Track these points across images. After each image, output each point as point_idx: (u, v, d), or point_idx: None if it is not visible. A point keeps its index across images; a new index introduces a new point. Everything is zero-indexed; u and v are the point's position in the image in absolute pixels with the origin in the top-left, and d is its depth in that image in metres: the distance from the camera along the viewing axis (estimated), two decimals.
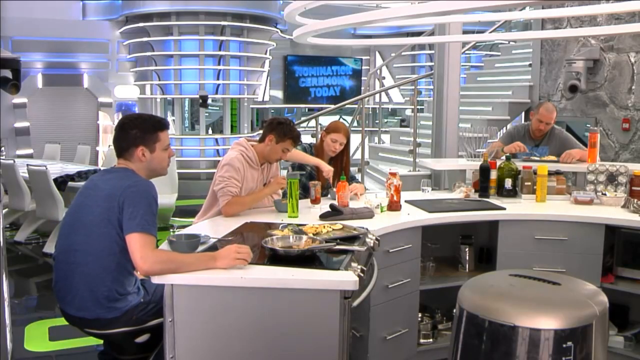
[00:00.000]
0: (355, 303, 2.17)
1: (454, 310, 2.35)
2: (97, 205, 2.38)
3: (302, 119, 9.00)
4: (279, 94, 12.50)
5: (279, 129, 3.29)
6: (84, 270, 2.35)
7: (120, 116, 11.06)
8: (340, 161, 3.85)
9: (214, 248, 2.46)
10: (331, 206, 3.22)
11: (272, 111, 12.52)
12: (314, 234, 2.59)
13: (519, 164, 3.99)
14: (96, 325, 2.40)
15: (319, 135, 4.05)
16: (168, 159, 2.56)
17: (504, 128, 6.74)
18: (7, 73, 3.09)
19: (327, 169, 3.63)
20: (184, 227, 4.72)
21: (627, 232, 3.39)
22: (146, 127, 2.49)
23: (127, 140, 2.48)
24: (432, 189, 4.10)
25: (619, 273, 3.47)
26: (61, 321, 4.31)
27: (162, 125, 2.54)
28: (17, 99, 10.01)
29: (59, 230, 2.56)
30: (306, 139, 5.49)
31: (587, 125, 5.84)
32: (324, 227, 2.73)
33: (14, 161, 6.60)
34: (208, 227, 2.97)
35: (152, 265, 2.18)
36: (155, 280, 2.19)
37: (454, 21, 4.72)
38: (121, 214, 2.30)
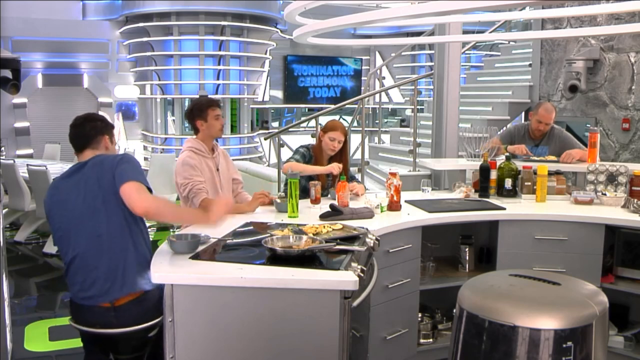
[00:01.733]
0: (355, 303, 2.16)
1: (454, 310, 2.35)
2: (93, 193, 2.46)
3: (302, 118, 9.00)
4: (279, 94, 12.50)
5: (195, 112, 3.44)
6: (115, 252, 2.44)
7: (121, 116, 11.10)
8: (339, 160, 3.85)
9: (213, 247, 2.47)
10: (331, 206, 3.22)
11: (272, 111, 12.52)
12: (314, 234, 2.59)
13: (519, 164, 3.99)
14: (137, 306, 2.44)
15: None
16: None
17: (504, 128, 6.74)
18: (7, 73, 3.09)
19: (336, 167, 3.65)
20: None
21: (627, 232, 3.39)
22: (106, 120, 2.73)
23: (94, 131, 2.63)
24: (432, 189, 4.10)
25: (619, 273, 3.47)
26: (61, 321, 4.35)
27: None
28: (17, 99, 10.02)
29: (56, 242, 2.58)
30: (306, 139, 5.50)
31: (587, 125, 5.84)
32: (324, 227, 2.73)
33: (14, 161, 6.60)
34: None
35: (151, 202, 2.36)
36: (155, 279, 2.19)
37: (454, 21, 4.72)
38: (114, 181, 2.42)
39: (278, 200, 3.40)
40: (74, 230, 2.48)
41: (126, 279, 2.44)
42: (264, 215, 3.27)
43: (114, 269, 2.43)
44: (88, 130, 2.63)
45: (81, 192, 2.48)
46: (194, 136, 3.52)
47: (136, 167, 2.50)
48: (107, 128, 2.67)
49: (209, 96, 9.53)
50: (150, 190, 2.47)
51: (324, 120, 4.06)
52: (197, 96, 10.00)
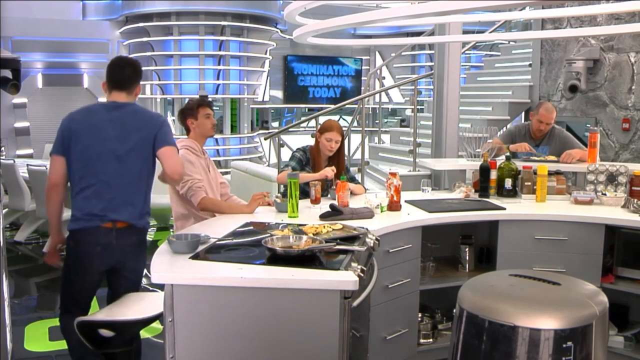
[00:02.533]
0: (355, 303, 2.16)
1: (454, 310, 2.35)
2: (129, 137, 2.85)
3: (302, 118, 9.00)
4: (279, 94, 12.50)
5: (187, 112, 3.50)
6: (137, 186, 2.88)
7: None
8: (337, 160, 3.85)
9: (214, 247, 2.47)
10: (331, 206, 3.22)
11: (272, 111, 12.52)
12: (314, 234, 2.59)
13: (519, 164, 3.99)
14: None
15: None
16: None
17: (504, 128, 6.75)
18: (7, 73, 3.09)
19: (330, 171, 3.65)
20: None
21: (627, 232, 3.39)
22: (142, 70, 3.12)
23: (134, 77, 2.99)
24: (432, 189, 4.10)
25: (619, 273, 3.47)
26: None
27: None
28: (17, 99, 10.01)
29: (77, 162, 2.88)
30: (306, 139, 5.49)
31: (587, 125, 5.84)
32: (324, 227, 2.73)
33: (14, 161, 6.60)
34: (208, 227, 2.96)
35: (182, 168, 2.95)
36: (155, 279, 2.19)
37: (454, 21, 4.72)
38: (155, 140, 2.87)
39: (278, 201, 3.41)
40: (103, 159, 2.82)
41: (132, 210, 2.84)
42: (264, 215, 3.27)
43: (125, 201, 2.83)
44: (129, 75, 2.98)
45: (117, 129, 2.84)
46: (186, 136, 3.55)
47: (172, 134, 2.98)
48: (141, 77, 3.08)
49: (202, 96, 9.61)
50: None
51: (323, 120, 4.06)
52: (197, 96, 10.01)
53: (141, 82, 3.16)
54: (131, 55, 10.79)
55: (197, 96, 9.92)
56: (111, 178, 2.81)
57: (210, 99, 10.18)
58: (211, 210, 3.31)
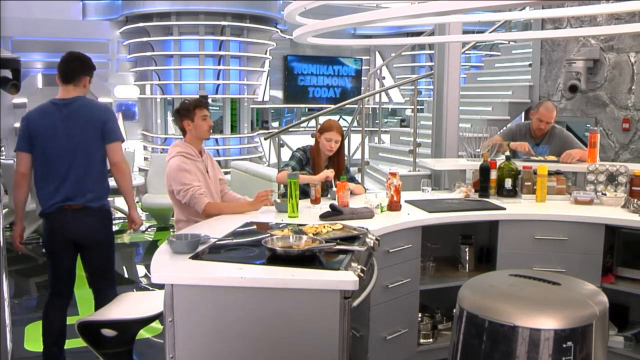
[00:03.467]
0: (355, 303, 2.16)
1: (454, 310, 2.35)
2: (83, 129, 3.22)
3: (302, 118, 9.00)
4: (279, 94, 12.50)
5: (183, 113, 3.47)
6: (91, 174, 3.26)
7: (121, 116, 11.10)
8: (336, 159, 3.85)
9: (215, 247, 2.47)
10: (331, 206, 3.22)
11: (272, 111, 12.52)
12: (314, 234, 2.59)
13: (519, 164, 3.99)
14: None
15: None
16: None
17: (504, 128, 6.74)
18: (7, 73, 3.09)
19: (329, 173, 3.66)
20: None
21: (627, 232, 3.39)
22: (91, 63, 3.38)
23: (81, 70, 3.28)
24: (432, 189, 4.10)
25: (619, 273, 3.47)
26: None
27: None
28: (17, 99, 10.00)
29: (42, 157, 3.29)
30: (306, 139, 5.49)
31: (587, 125, 5.84)
32: (324, 227, 2.73)
33: (14, 161, 6.58)
34: (208, 227, 2.96)
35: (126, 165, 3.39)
36: (155, 279, 2.19)
37: (454, 21, 4.72)
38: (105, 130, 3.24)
39: (278, 200, 3.41)
40: (60, 157, 3.21)
41: (90, 196, 3.26)
42: (264, 215, 3.27)
43: (83, 189, 3.24)
44: (76, 68, 3.27)
45: (68, 127, 3.19)
46: (182, 139, 3.50)
47: (118, 125, 3.35)
48: (90, 70, 3.33)
49: (201, 96, 9.62)
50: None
51: (323, 120, 4.06)
52: (197, 96, 10.01)
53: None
54: (131, 55, 10.84)
55: (197, 96, 9.94)
56: (69, 172, 3.22)
57: (210, 99, 10.21)
58: (216, 214, 3.26)
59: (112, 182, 3.50)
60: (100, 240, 3.39)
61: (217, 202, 3.37)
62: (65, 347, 3.89)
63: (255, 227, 2.95)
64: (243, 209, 3.35)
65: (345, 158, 4.04)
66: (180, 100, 10.79)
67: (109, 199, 3.48)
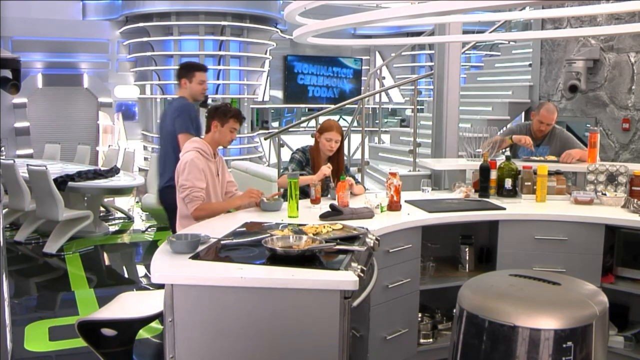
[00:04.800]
0: (355, 303, 2.17)
1: (454, 310, 2.36)
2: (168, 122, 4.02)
3: (302, 118, 9.01)
4: (279, 94, 12.50)
5: (219, 113, 3.47)
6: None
7: (121, 116, 11.11)
8: (336, 159, 3.85)
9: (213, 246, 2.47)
10: (331, 206, 3.22)
11: (272, 111, 12.52)
12: (314, 234, 2.59)
13: (519, 164, 3.99)
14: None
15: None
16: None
17: (504, 128, 6.74)
18: (7, 73, 3.09)
19: (326, 169, 3.65)
20: None
21: (627, 232, 3.39)
22: (185, 67, 4.26)
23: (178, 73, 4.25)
24: (432, 189, 4.10)
25: (619, 273, 3.47)
26: (61, 321, 4.36)
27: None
28: (17, 99, 10.01)
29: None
30: (306, 139, 5.49)
31: (587, 125, 5.84)
32: (324, 227, 2.73)
33: (14, 161, 6.60)
34: (208, 227, 2.96)
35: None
36: (155, 279, 2.19)
37: (454, 21, 4.72)
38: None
39: (265, 200, 3.40)
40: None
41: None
42: (264, 215, 3.27)
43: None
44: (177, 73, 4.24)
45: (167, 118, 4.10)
46: (202, 136, 3.53)
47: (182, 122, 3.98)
48: (185, 73, 4.21)
49: (206, 97, 9.63)
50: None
51: (323, 120, 4.07)
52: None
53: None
54: (131, 55, 10.85)
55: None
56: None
57: (210, 99, 10.23)
58: (206, 217, 3.26)
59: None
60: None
61: (206, 204, 3.31)
62: (65, 347, 3.90)
63: (255, 227, 2.95)
64: (232, 204, 3.40)
65: (345, 158, 4.04)
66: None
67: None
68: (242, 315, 2.13)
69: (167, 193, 3.74)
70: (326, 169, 3.64)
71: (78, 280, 5.38)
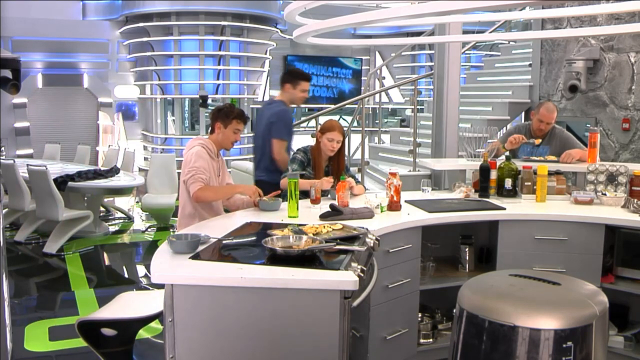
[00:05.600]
0: (355, 303, 2.16)
1: (454, 310, 2.35)
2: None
3: (302, 118, 9.01)
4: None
5: (221, 114, 3.48)
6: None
7: (121, 116, 11.12)
8: (337, 160, 3.85)
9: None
10: (331, 206, 3.22)
11: None
12: (314, 234, 2.59)
13: (519, 164, 3.99)
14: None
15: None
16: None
17: (504, 128, 6.74)
18: (7, 73, 3.09)
19: (326, 182, 3.65)
20: None
21: (627, 232, 3.39)
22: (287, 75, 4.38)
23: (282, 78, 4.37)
24: (432, 189, 4.10)
25: (619, 273, 3.47)
26: (61, 321, 4.36)
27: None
28: (17, 99, 10.01)
29: None
30: (306, 139, 5.49)
31: (587, 125, 5.84)
32: (324, 227, 2.73)
33: (14, 161, 6.60)
34: (208, 227, 2.96)
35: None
36: (156, 279, 2.19)
37: (454, 21, 4.72)
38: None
39: (265, 199, 3.40)
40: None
41: None
42: (264, 215, 3.27)
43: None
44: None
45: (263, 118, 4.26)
46: (206, 136, 3.56)
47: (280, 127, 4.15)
48: (290, 79, 4.26)
49: (202, 96, 9.64)
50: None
51: (323, 120, 4.08)
52: (197, 96, 10.01)
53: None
54: (131, 55, 10.85)
55: (198, 95, 9.93)
56: None
57: (210, 99, 10.22)
58: (208, 198, 3.32)
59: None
60: None
61: (209, 185, 3.35)
62: (65, 347, 3.90)
63: (255, 227, 2.95)
64: (234, 189, 3.49)
65: (345, 158, 4.04)
66: (180, 100, 10.81)
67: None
68: (242, 315, 2.13)
69: (260, 184, 3.91)
70: (326, 184, 3.62)
71: (78, 280, 5.39)
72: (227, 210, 3.61)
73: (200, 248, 2.48)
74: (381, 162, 7.37)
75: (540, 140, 4.31)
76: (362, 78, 12.72)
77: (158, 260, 2.36)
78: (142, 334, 3.90)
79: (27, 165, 6.31)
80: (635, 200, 3.57)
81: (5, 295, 3.20)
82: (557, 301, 2.21)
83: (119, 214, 8.09)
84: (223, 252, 2.50)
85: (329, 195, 3.71)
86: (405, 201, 3.64)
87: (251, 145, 11.25)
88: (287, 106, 4.32)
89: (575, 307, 2.15)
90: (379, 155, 7.61)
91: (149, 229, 7.45)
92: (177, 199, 3.71)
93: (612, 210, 3.56)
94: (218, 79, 10.35)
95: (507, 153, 4.26)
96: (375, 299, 2.97)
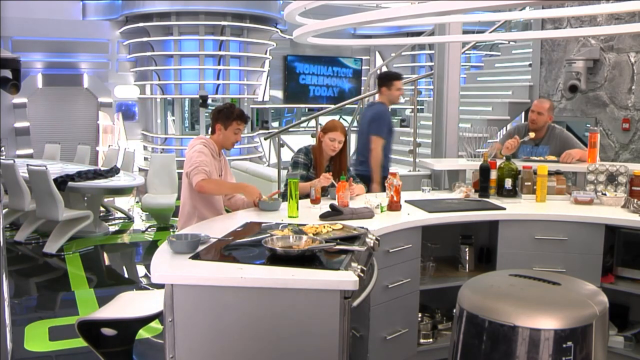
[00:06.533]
0: (355, 303, 2.16)
1: (454, 310, 2.35)
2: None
3: (302, 118, 9.01)
4: (279, 93, 12.50)
5: (222, 115, 3.48)
6: None
7: (121, 116, 11.12)
8: (339, 160, 3.85)
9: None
10: (331, 206, 3.22)
11: (272, 111, 12.53)
12: (314, 234, 2.59)
13: (519, 164, 3.99)
14: None
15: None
16: None
17: (504, 128, 6.75)
18: (7, 73, 3.09)
19: (324, 179, 3.64)
20: None
21: (627, 232, 3.39)
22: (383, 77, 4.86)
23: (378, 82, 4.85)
24: (432, 189, 4.10)
25: (619, 273, 3.47)
26: (61, 321, 4.36)
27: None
28: (17, 99, 10.02)
29: None
30: (306, 139, 5.50)
31: (587, 125, 5.84)
32: (324, 227, 2.73)
33: (14, 161, 6.60)
34: (208, 227, 2.96)
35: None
36: (155, 279, 2.19)
37: (454, 21, 4.72)
38: None
39: (265, 198, 3.40)
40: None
41: None
42: (264, 215, 3.27)
43: None
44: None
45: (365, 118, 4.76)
46: (207, 136, 3.57)
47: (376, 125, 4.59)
48: (385, 82, 4.67)
49: (202, 96, 9.64)
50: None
51: (324, 120, 4.09)
52: (197, 96, 10.01)
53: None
54: (131, 55, 10.85)
55: (198, 95, 9.93)
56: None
57: (210, 99, 10.23)
58: (211, 189, 3.32)
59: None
60: None
61: (213, 178, 3.36)
62: (65, 347, 3.90)
63: (255, 227, 2.95)
64: (238, 186, 3.50)
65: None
66: (180, 100, 10.81)
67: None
68: (242, 315, 2.13)
69: (362, 179, 4.19)
70: (324, 180, 3.60)
71: (78, 280, 5.39)
72: (227, 210, 3.61)
73: (200, 248, 2.48)
74: None
75: (534, 134, 4.31)
76: (362, 78, 12.72)
77: (158, 260, 2.36)
78: (142, 334, 3.90)
79: (27, 165, 6.31)
80: (635, 200, 3.57)
81: (5, 295, 3.20)
82: (557, 301, 2.21)
83: (119, 214, 8.09)
84: (223, 252, 2.49)
85: (329, 195, 3.71)
86: (405, 201, 3.64)
87: (251, 145, 11.33)
88: (386, 107, 4.77)
89: (575, 307, 2.15)
90: None
91: (149, 229, 7.45)
92: (177, 199, 3.72)
93: (612, 210, 3.56)
94: (218, 79, 10.36)
95: (505, 156, 4.25)
96: (375, 299, 2.97)
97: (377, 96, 4.91)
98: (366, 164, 4.60)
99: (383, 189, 4.00)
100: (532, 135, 4.30)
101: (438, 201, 3.74)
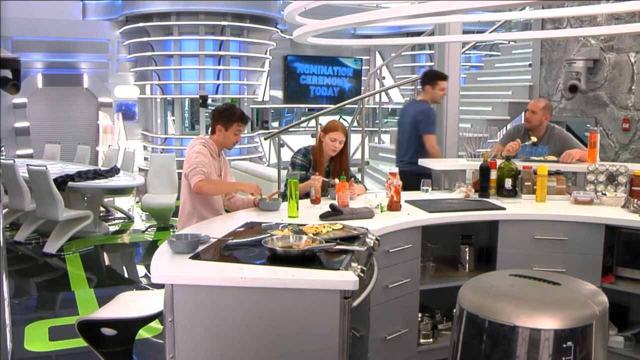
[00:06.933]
0: (355, 303, 2.16)
1: (454, 310, 2.35)
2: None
3: (302, 118, 9.01)
4: (279, 94, 12.50)
5: (223, 116, 3.48)
6: None
7: (121, 116, 11.12)
8: (340, 160, 3.85)
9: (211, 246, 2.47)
10: (331, 206, 3.22)
11: (272, 111, 12.53)
12: (314, 234, 2.59)
13: (519, 164, 3.99)
14: None
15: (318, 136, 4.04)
16: None
17: (504, 128, 6.75)
18: (7, 73, 3.09)
19: (316, 180, 3.60)
20: None
21: (627, 232, 3.39)
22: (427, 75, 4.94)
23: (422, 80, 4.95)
24: (432, 189, 4.10)
25: (619, 273, 3.47)
26: (61, 321, 4.36)
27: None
28: (17, 99, 10.02)
29: None
30: (306, 139, 5.49)
31: (587, 125, 5.84)
32: (324, 227, 2.73)
33: (14, 161, 6.60)
34: (208, 227, 2.96)
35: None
36: (156, 279, 2.19)
37: (454, 21, 4.72)
38: None
39: (265, 198, 3.40)
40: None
41: None
42: (264, 215, 3.27)
43: None
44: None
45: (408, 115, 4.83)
46: (207, 135, 3.57)
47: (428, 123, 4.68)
48: (426, 81, 4.79)
49: (202, 96, 9.65)
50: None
51: (324, 120, 4.09)
52: (197, 96, 10.01)
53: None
54: (131, 55, 10.85)
55: (198, 95, 9.93)
56: None
57: (210, 99, 10.23)
58: (209, 190, 3.33)
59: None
60: None
61: (211, 179, 3.37)
62: (65, 347, 3.90)
63: (255, 227, 2.95)
64: (237, 185, 3.50)
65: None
66: (180, 100, 10.81)
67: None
68: (242, 315, 2.13)
69: (404, 174, 4.06)
70: (316, 183, 3.54)
71: (78, 280, 5.39)
72: (227, 210, 3.61)
73: (200, 248, 2.48)
74: (381, 162, 7.38)
75: (536, 139, 4.31)
76: (362, 78, 12.73)
77: (158, 260, 2.36)
78: (142, 334, 3.90)
79: (27, 165, 6.31)
80: (635, 200, 3.57)
81: (5, 295, 3.20)
82: (557, 301, 2.21)
83: (119, 214, 8.09)
84: (223, 252, 2.49)
85: (329, 195, 3.71)
86: (405, 201, 3.64)
87: (251, 145, 11.33)
88: (429, 105, 4.78)
89: (575, 307, 2.15)
90: (379, 155, 7.62)
91: (149, 229, 7.45)
92: (177, 199, 3.72)
93: (612, 210, 3.56)
94: (218, 79, 10.35)
95: (504, 157, 4.26)
96: (375, 299, 2.97)
97: (419, 94, 4.99)
98: (410, 161, 4.70)
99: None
100: (534, 139, 4.30)
101: (438, 201, 3.74)
